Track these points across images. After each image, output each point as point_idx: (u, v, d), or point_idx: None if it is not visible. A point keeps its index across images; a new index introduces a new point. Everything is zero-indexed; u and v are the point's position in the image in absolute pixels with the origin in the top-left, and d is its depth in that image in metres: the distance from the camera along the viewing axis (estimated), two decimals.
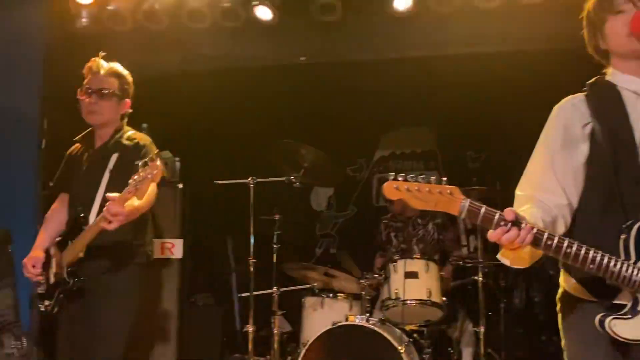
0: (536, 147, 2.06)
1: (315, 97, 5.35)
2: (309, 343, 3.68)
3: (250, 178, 4.02)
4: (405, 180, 1.76)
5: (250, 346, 3.91)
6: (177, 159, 4.22)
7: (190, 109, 5.02)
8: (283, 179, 4.11)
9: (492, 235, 1.76)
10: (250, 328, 3.93)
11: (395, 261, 4.01)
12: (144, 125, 4.03)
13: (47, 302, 2.76)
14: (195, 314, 4.47)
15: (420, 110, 5.55)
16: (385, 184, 1.76)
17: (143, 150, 2.85)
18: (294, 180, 4.10)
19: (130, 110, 3.05)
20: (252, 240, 4.00)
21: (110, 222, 2.52)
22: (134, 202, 2.60)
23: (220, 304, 4.82)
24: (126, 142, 2.91)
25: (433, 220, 4.66)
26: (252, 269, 3.97)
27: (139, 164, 2.48)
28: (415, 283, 3.89)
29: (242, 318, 4.66)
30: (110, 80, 2.93)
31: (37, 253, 2.88)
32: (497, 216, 1.74)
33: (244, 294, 4.11)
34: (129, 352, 2.77)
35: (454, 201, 1.75)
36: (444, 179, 1.76)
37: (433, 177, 1.76)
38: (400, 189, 1.76)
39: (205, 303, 4.65)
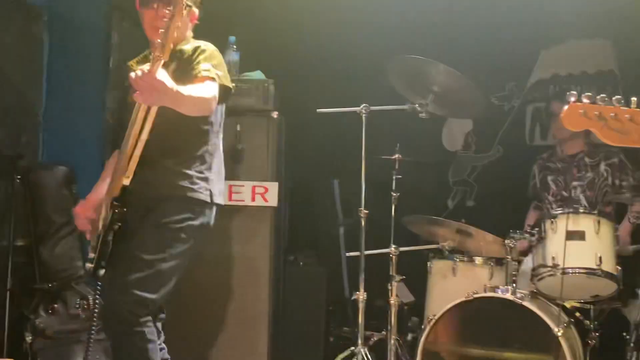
0: None
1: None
2: (436, 318, 3.68)
3: (362, 106, 4.00)
4: (595, 102, 1.53)
5: (360, 318, 3.91)
6: (271, 81, 4.18)
7: (289, 19, 4.97)
8: (405, 107, 4.06)
9: None
10: (360, 296, 3.93)
11: (554, 217, 3.84)
12: (232, 38, 4.01)
13: (92, 256, 2.86)
14: (294, 275, 4.52)
15: (596, 17, 5.16)
16: (567, 108, 1.55)
17: (202, 54, 2.89)
18: (419, 109, 4.02)
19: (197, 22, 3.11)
20: (363, 186, 3.97)
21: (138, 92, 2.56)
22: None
23: (325, 264, 4.83)
24: (185, 48, 2.96)
25: (607, 159, 4.39)
26: (363, 222, 3.97)
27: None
28: (580, 246, 3.74)
29: (352, 283, 4.66)
30: None
31: (89, 198, 3.01)
32: None
33: (353, 253, 4.12)
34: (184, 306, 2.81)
35: None
36: None
37: (634, 99, 1.53)
38: (589, 116, 1.58)
39: (307, 262, 4.68)
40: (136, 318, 2.80)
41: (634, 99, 1.56)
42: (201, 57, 2.89)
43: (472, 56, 5.20)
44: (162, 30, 2.59)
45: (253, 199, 4.05)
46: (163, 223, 2.87)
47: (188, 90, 2.68)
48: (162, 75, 2.55)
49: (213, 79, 2.81)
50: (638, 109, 1.54)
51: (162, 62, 2.58)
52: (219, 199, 3.04)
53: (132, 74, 2.55)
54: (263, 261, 4.04)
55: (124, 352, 2.84)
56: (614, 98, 1.55)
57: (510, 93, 5.90)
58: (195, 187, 2.93)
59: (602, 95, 1.56)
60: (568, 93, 1.59)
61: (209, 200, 2.97)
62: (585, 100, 1.55)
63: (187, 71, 2.83)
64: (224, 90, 2.89)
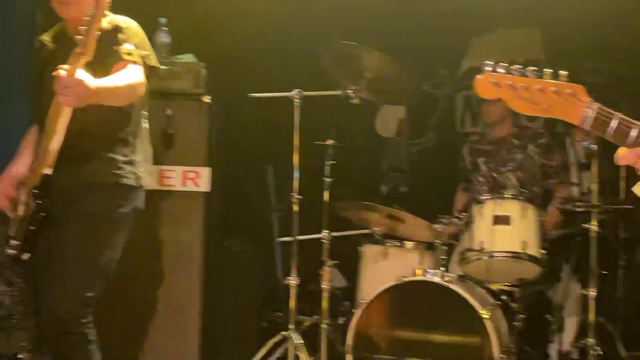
0: None
1: None
2: (367, 302, 3.70)
3: (295, 91, 3.98)
4: (509, 72, 1.57)
5: (292, 303, 3.91)
6: (202, 65, 4.12)
7: (221, 1, 4.91)
8: (338, 92, 4.06)
9: (627, 155, 1.61)
10: (292, 281, 3.92)
11: (481, 202, 3.93)
12: (162, 19, 3.94)
13: (14, 243, 2.75)
14: (227, 260, 4.48)
15: (525, 6, 5.28)
16: (480, 78, 1.61)
17: (123, 33, 2.78)
18: (352, 94, 4.02)
19: None
20: (296, 172, 3.98)
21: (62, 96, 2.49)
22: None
23: (259, 250, 4.82)
24: (103, 26, 2.77)
25: (535, 140, 4.48)
26: (296, 207, 3.96)
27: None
28: (506, 231, 3.83)
29: (285, 268, 4.67)
30: None
31: (7, 176, 2.89)
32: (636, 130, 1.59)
33: (286, 238, 4.13)
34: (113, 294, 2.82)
35: (575, 105, 1.62)
36: (563, 73, 1.58)
37: (548, 71, 1.59)
38: (501, 85, 1.63)
39: (240, 248, 4.66)
40: (78, 319, 2.72)
41: (563, 72, 1.61)
42: (122, 36, 2.78)
43: (405, 43, 5.23)
44: (85, 27, 2.50)
45: (184, 184, 3.99)
46: (92, 214, 2.79)
47: (112, 82, 2.60)
48: (83, 75, 2.47)
49: (136, 62, 2.73)
50: (548, 80, 1.59)
51: (84, 60, 2.50)
52: (147, 182, 2.98)
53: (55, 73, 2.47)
54: (194, 247, 3.98)
55: (65, 356, 2.75)
56: (526, 69, 1.60)
57: (442, 80, 5.99)
58: (121, 172, 2.85)
59: (516, 66, 1.61)
60: (483, 62, 1.63)
61: (136, 184, 2.90)
62: (499, 70, 1.60)
63: (107, 53, 2.70)
64: (150, 70, 2.81)
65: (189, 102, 4.03)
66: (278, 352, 3.95)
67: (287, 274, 4.04)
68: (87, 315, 2.76)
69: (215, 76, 4.25)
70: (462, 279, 3.85)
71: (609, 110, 1.61)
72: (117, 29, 2.81)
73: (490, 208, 3.87)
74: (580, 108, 1.60)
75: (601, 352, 3.76)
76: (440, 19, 5.39)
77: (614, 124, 1.59)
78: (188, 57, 4.13)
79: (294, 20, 5.19)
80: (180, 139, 4.00)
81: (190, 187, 4.00)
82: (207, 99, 4.09)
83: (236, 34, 5.21)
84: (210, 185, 4.02)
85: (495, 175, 4.50)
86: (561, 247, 4.28)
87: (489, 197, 3.95)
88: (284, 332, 3.92)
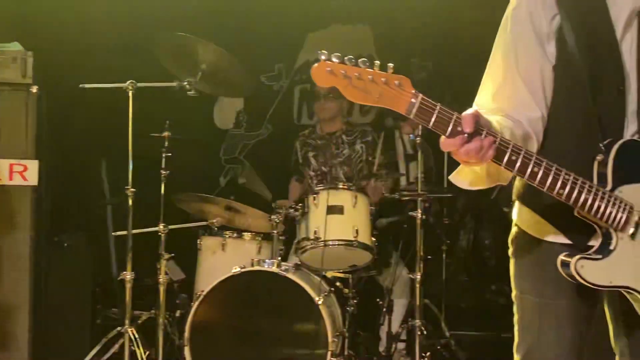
0: (495, 47, 2.03)
1: None
2: (204, 294, 3.70)
3: (129, 82, 3.90)
4: (343, 62, 1.65)
5: (127, 298, 3.86)
6: (29, 53, 3.94)
7: None
8: (173, 84, 4.01)
9: (447, 143, 1.72)
10: (127, 275, 3.87)
11: (315, 192, 4.02)
12: None
13: None
14: (58, 257, 4.33)
15: (357, 4, 5.46)
16: (316, 66, 1.68)
17: None
18: (187, 86, 3.99)
19: None
20: (131, 165, 3.91)
21: None
22: None
23: (92, 245, 4.68)
24: None
25: (362, 138, 4.68)
26: (131, 200, 3.90)
27: None
28: (339, 220, 3.93)
29: (120, 263, 4.57)
30: None
31: None
32: (454, 118, 1.70)
33: (121, 232, 4.04)
34: None
35: (402, 95, 1.69)
36: (390, 65, 1.67)
37: (377, 62, 1.69)
38: (336, 73, 1.68)
39: (73, 243, 4.50)
40: None
41: (390, 64, 1.70)
42: None
43: (242, 36, 5.30)
44: None
45: (11, 178, 3.81)
46: None
47: None
48: None
49: None
50: (378, 71, 1.67)
51: None
52: None
53: None
54: (23, 243, 3.82)
55: None
56: (360, 60, 1.68)
57: (279, 73, 6.07)
58: None
59: (349, 56, 1.68)
60: (319, 52, 1.70)
61: None
62: (334, 60, 1.67)
63: None
64: None
65: (16, 92, 3.85)
66: (114, 349, 3.87)
67: (123, 268, 3.95)
68: None
69: (46, 67, 4.09)
70: (298, 267, 3.94)
71: (431, 101, 1.71)
72: None
73: (324, 198, 3.96)
74: (407, 98, 1.68)
75: (425, 332, 4.00)
76: (277, 14, 5.49)
77: (435, 113, 1.70)
78: (14, 46, 3.93)
79: (129, 11, 5.09)
80: (6, 130, 3.82)
81: (18, 181, 3.84)
82: (35, 89, 3.92)
83: (68, 23, 5.03)
84: (39, 178, 3.87)
85: (324, 169, 4.67)
86: (390, 235, 4.48)
87: (323, 187, 4.05)
88: (119, 328, 3.85)
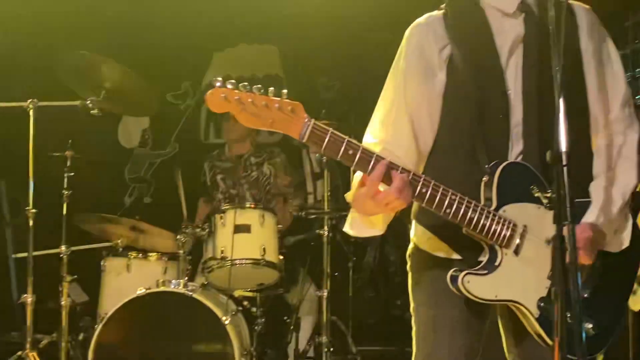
0: (389, 75, 2.15)
1: None
2: (108, 316, 3.65)
3: (29, 101, 3.84)
4: (237, 88, 1.70)
5: (28, 321, 3.77)
6: None
7: None
8: (76, 103, 3.96)
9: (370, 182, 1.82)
10: (28, 298, 3.78)
11: (223, 211, 4.04)
12: None
13: None
14: None
15: (263, 24, 5.52)
16: (210, 92, 1.73)
17: None
18: (90, 105, 3.94)
19: None
20: (32, 185, 3.84)
21: None
22: None
23: None
24: None
25: (270, 159, 4.73)
26: (32, 221, 3.82)
27: None
28: (246, 239, 3.96)
29: (21, 286, 4.44)
30: None
31: None
32: (344, 144, 1.79)
33: (21, 254, 3.95)
34: None
35: (296, 120, 1.76)
36: (284, 91, 1.75)
37: (271, 89, 1.74)
38: (230, 100, 1.73)
39: None
40: None
41: (284, 91, 1.76)
42: None
43: (148, 55, 5.29)
44: None
45: None
46: None
47: None
48: None
49: None
50: (272, 97, 1.73)
51: None
52: None
53: None
54: None
55: None
56: (254, 86, 1.74)
57: (185, 92, 6.07)
58: None
59: (244, 83, 1.74)
60: (214, 79, 1.75)
61: None
62: (228, 86, 1.72)
63: None
64: None
65: None
66: None
67: (23, 291, 3.85)
68: None
69: None
70: (205, 287, 3.93)
71: (322, 126, 1.78)
72: None
73: (231, 217, 3.98)
74: (299, 123, 1.75)
75: (332, 349, 4.06)
76: (184, 32, 5.49)
77: (326, 138, 1.77)
78: None
79: (32, 29, 4.98)
80: None
81: None
82: None
83: None
84: None
85: (232, 191, 4.68)
86: (297, 252, 4.52)
87: (230, 206, 4.07)
88: (20, 352, 3.75)
